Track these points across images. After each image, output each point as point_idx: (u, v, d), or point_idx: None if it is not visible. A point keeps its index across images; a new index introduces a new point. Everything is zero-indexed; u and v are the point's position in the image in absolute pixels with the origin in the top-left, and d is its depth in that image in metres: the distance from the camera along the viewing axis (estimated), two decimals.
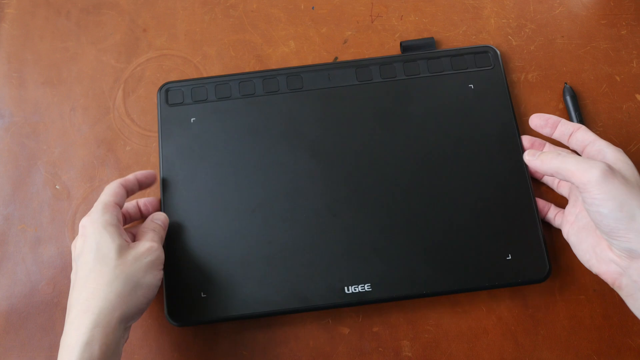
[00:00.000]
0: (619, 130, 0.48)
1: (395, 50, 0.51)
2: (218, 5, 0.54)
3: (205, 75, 0.51)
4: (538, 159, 0.40)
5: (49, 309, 0.44)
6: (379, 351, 0.43)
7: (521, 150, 0.45)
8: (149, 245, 0.39)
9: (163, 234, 0.42)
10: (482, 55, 0.48)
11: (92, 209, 0.39)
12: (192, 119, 0.47)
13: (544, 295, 0.44)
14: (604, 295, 0.43)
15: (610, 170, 0.34)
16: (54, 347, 0.44)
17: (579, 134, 0.40)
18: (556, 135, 0.42)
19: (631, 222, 0.33)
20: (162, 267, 0.40)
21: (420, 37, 0.51)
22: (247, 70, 0.51)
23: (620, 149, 0.38)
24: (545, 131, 0.42)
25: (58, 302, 0.45)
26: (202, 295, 0.42)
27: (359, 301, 0.42)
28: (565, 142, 0.42)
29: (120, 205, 0.40)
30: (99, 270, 0.36)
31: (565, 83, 0.49)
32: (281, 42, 0.52)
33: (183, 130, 0.46)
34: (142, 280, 0.37)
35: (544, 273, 0.42)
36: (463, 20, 0.52)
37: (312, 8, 0.54)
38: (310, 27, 0.53)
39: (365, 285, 0.42)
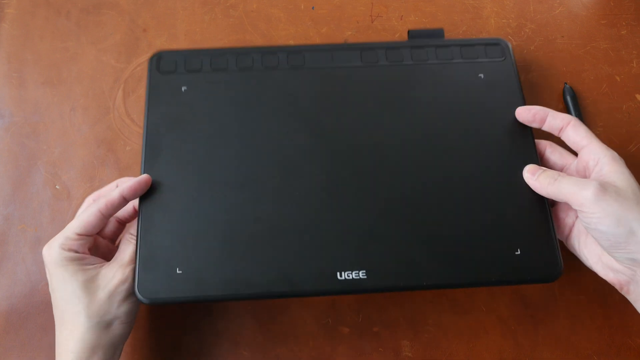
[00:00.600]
0: (619, 130, 0.48)
1: None
2: (218, 5, 0.54)
3: None
4: (537, 180, 0.40)
5: (49, 309, 0.44)
6: (379, 351, 0.43)
7: (533, 142, 0.43)
8: (120, 277, 0.37)
9: None
10: (493, 47, 0.46)
11: (53, 240, 0.38)
12: (183, 88, 0.44)
13: (544, 295, 0.44)
14: (604, 295, 0.43)
15: (602, 188, 0.35)
16: (54, 347, 0.44)
17: (570, 133, 0.40)
18: (546, 129, 0.41)
19: (630, 235, 0.34)
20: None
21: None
22: None
23: (617, 159, 0.37)
24: (534, 125, 0.42)
25: None
26: (178, 272, 0.38)
27: (352, 289, 0.38)
28: (557, 135, 0.41)
29: (90, 235, 0.38)
30: (72, 311, 0.36)
31: (565, 83, 0.49)
32: (281, 42, 0.52)
33: (173, 99, 0.44)
34: (119, 311, 0.37)
35: (556, 272, 0.39)
36: (463, 20, 0.52)
37: (312, 8, 0.54)
38: (310, 27, 0.53)
39: (360, 272, 0.38)
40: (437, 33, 0.48)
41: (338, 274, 0.38)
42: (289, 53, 0.45)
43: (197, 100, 0.43)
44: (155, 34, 0.53)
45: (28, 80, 0.51)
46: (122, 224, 0.43)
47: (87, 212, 0.38)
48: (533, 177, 0.40)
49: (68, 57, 0.52)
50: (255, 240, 0.39)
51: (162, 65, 0.45)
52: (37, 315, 0.44)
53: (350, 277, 0.38)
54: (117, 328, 0.37)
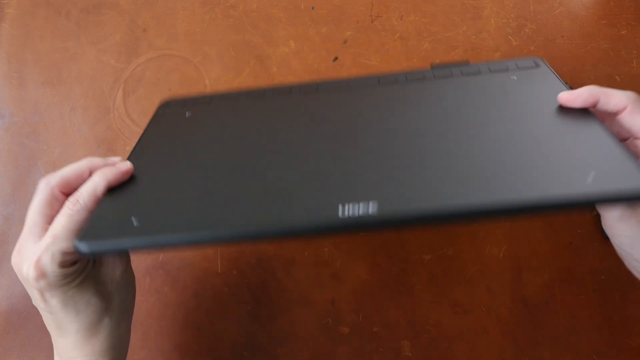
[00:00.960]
0: None
1: (397, 49, 0.51)
2: (218, 5, 0.54)
3: (205, 76, 0.51)
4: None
5: None
6: (379, 351, 0.43)
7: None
8: (120, 267, 0.34)
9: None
10: (526, 62, 0.41)
11: (42, 256, 0.30)
12: (187, 113, 0.42)
13: (544, 295, 0.44)
14: (604, 295, 0.43)
15: (631, 210, 0.31)
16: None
17: (627, 119, 0.33)
18: (601, 113, 0.35)
19: None
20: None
21: (424, 41, 0.51)
22: (246, 69, 0.51)
23: None
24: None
25: None
26: (134, 223, 0.30)
27: (359, 223, 0.28)
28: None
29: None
30: (90, 319, 0.33)
31: (565, 83, 0.49)
32: (281, 42, 0.52)
33: (174, 122, 0.41)
34: (129, 294, 0.36)
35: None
36: (463, 20, 0.52)
37: (312, 8, 0.54)
38: (310, 27, 0.53)
39: (370, 204, 0.28)
40: (463, 64, 0.42)
41: (340, 208, 0.28)
42: (303, 87, 0.42)
43: (200, 122, 0.40)
44: (155, 34, 0.53)
45: (28, 80, 0.51)
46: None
47: (76, 218, 0.31)
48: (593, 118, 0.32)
49: (68, 57, 0.52)
50: (230, 175, 0.32)
51: (169, 105, 0.44)
52: (37, 315, 0.44)
53: (356, 214, 0.28)
54: (131, 304, 0.37)
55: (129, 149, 0.49)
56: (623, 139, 0.34)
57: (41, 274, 0.30)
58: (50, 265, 0.30)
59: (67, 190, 0.33)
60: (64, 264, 0.30)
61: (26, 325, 0.44)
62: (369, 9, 0.53)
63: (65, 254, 0.30)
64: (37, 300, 0.32)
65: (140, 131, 0.49)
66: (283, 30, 0.53)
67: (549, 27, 0.52)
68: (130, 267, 0.37)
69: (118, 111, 0.50)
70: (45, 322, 0.34)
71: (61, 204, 0.32)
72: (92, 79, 0.51)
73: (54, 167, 0.48)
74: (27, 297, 0.45)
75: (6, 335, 0.44)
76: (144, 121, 0.50)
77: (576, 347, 0.42)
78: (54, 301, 0.32)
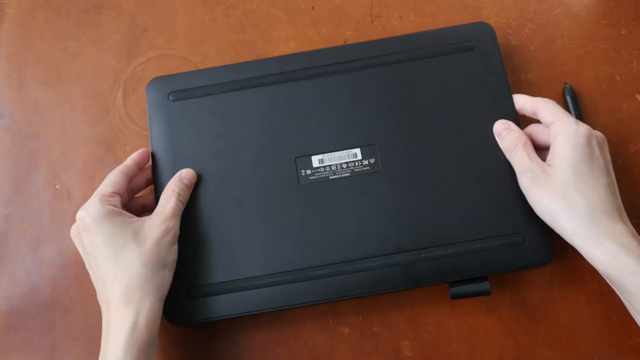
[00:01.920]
0: (619, 130, 0.48)
1: None
2: (218, 5, 0.54)
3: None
4: (502, 140, 0.42)
5: (49, 309, 0.45)
6: (379, 351, 0.43)
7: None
8: (164, 227, 0.39)
9: (187, 194, 0.42)
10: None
11: (89, 201, 0.39)
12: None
13: (544, 295, 0.44)
14: (604, 295, 0.43)
15: (534, 181, 0.38)
16: (54, 348, 0.44)
17: (541, 115, 0.41)
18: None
19: (554, 222, 0.38)
20: (177, 239, 0.40)
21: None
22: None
23: (570, 141, 0.38)
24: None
25: (58, 302, 0.45)
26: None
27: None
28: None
29: (119, 194, 0.41)
30: (125, 263, 0.37)
31: (565, 83, 0.49)
32: (281, 42, 0.52)
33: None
34: (167, 260, 0.39)
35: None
36: (463, 20, 0.52)
37: (312, 8, 0.54)
38: (310, 27, 0.53)
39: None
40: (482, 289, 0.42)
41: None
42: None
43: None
44: (155, 34, 0.53)
45: (28, 80, 0.51)
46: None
47: (112, 174, 0.41)
48: (499, 136, 0.42)
49: (68, 57, 0.52)
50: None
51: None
52: (37, 315, 0.44)
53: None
54: (167, 275, 0.39)
55: (129, 149, 0.49)
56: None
57: (84, 210, 0.39)
58: (95, 203, 0.39)
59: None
60: (104, 202, 0.39)
61: (26, 325, 0.44)
62: (369, 9, 0.53)
63: (105, 195, 0.40)
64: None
65: (141, 131, 0.49)
66: (283, 31, 0.53)
67: (549, 27, 0.52)
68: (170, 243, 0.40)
69: (118, 111, 0.50)
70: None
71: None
72: (92, 79, 0.51)
73: (54, 167, 0.48)
74: (27, 297, 0.45)
75: (6, 335, 0.44)
76: (144, 121, 0.50)
77: (576, 347, 0.42)
78: (98, 237, 0.38)
